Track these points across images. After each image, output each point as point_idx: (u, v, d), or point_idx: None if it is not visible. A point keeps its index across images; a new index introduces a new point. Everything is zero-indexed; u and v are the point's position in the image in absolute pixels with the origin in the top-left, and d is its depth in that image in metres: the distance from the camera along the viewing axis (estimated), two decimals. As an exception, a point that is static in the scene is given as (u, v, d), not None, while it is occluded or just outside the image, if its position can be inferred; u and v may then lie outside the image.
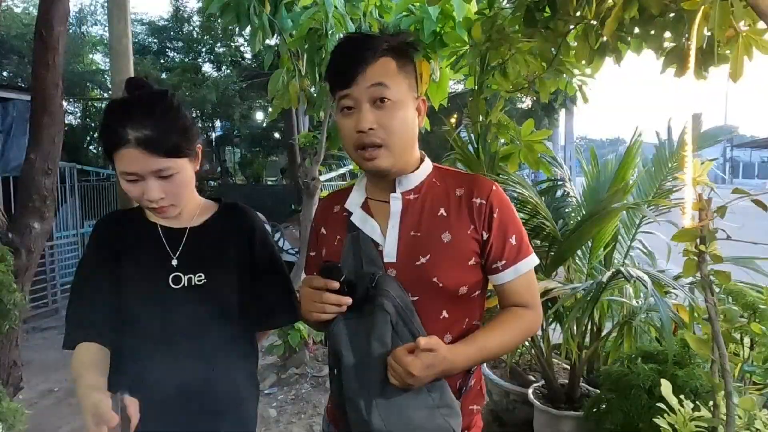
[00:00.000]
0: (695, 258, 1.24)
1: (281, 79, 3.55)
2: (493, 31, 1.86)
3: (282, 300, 1.21)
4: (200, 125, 11.30)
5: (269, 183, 13.07)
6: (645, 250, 2.81)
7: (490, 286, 1.06)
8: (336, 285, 0.91)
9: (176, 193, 1.06)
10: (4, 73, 10.97)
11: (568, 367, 2.63)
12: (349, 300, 0.92)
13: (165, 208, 1.07)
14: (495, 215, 0.98)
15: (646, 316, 2.17)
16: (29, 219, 2.48)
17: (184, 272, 1.10)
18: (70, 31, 11.98)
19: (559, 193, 2.96)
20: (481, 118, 2.26)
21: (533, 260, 1.03)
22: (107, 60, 13.56)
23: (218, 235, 1.15)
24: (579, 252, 2.57)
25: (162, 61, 11.90)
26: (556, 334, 2.73)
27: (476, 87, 2.11)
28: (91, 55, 12.89)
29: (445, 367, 0.90)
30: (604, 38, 1.79)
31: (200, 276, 1.10)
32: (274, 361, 3.84)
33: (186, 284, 1.09)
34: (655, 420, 1.38)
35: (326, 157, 3.97)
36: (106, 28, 14.82)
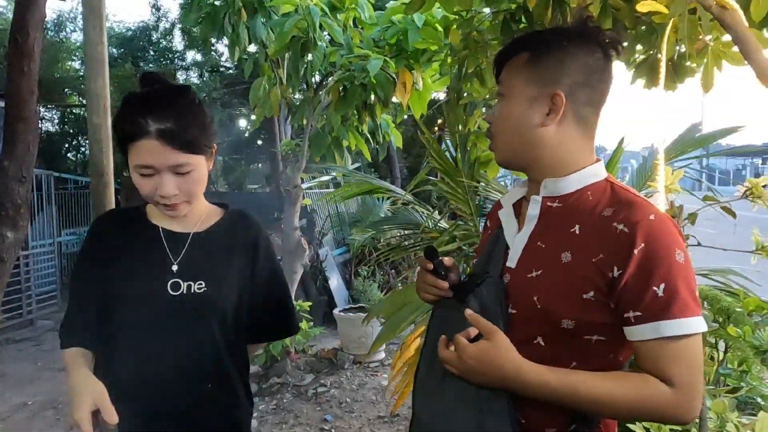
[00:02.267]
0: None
1: (262, 87, 3.55)
2: (470, 38, 1.88)
3: (280, 314, 1.20)
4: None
5: (252, 190, 12.99)
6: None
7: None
8: (429, 266, 0.94)
9: (191, 191, 1.04)
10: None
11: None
12: (445, 284, 0.93)
13: (177, 205, 1.04)
14: (636, 250, 0.78)
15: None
16: (2, 228, 2.42)
17: (184, 279, 1.07)
18: (48, 37, 11.80)
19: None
20: (459, 126, 2.28)
21: (693, 325, 0.77)
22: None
23: (222, 244, 1.13)
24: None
25: (136, 72, 11.79)
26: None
27: (453, 94, 2.12)
28: (69, 62, 12.70)
29: (505, 369, 0.81)
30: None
31: (200, 284, 1.07)
32: (255, 371, 3.80)
33: (185, 291, 1.06)
34: (629, 425, 1.39)
35: (308, 165, 3.96)
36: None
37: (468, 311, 0.86)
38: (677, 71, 1.67)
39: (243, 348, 1.17)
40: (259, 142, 12.64)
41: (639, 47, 1.78)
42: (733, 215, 1.47)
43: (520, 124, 0.89)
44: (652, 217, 0.80)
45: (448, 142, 2.58)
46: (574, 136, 0.89)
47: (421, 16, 2.69)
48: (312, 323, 4.01)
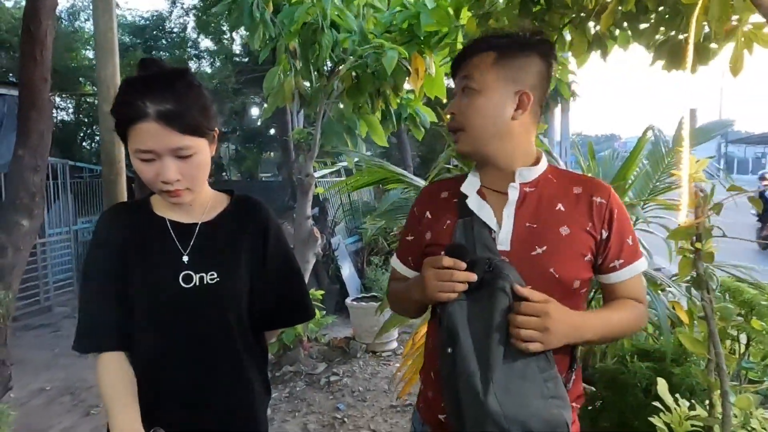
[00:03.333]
0: (690, 256, 1.23)
1: (277, 76, 3.52)
2: (485, 20, 1.83)
3: (294, 299, 1.18)
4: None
5: (264, 179, 13.01)
6: (646, 249, 2.79)
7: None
8: (464, 265, 0.93)
9: (193, 176, 1.00)
10: (-4, 69, 10.85)
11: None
12: (475, 276, 0.94)
13: (180, 191, 1.00)
14: (615, 216, 1.02)
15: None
16: (17, 216, 2.45)
17: (196, 271, 1.04)
18: (63, 26, 11.86)
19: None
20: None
21: (644, 262, 1.06)
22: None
23: (232, 231, 1.10)
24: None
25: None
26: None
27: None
28: (83, 51, 12.77)
29: (575, 326, 0.93)
30: (593, 32, 1.77)
31: (213, 275, 1.05)
32: (269, 359, 3.82)
33: (197, 283, 1.04)
34: (651, 419, 1.36)
35: (321, 154, 3.94)
36: (99, 24, 14.81)
37: (518, 287, 0.91)
38: (700, 53, 1.61)
39: (259, 336, 1.15)
40: (272, 131, 12.64)
41: (661, 29, 1.73)
42: (759, 206, 1.41)
43: (494, 116, 1.00)
44: (611, 190, 1.05)
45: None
46: (530, 129, 1.04)
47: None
48: (324, 312, 4.02)
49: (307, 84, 3.60)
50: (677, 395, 1.44)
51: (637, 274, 1.05)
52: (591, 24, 1.80)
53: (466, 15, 1.87)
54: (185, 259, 1.05)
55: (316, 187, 4.28)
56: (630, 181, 2.51)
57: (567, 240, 0.99)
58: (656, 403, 1.42)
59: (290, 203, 6.24)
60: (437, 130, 3.20)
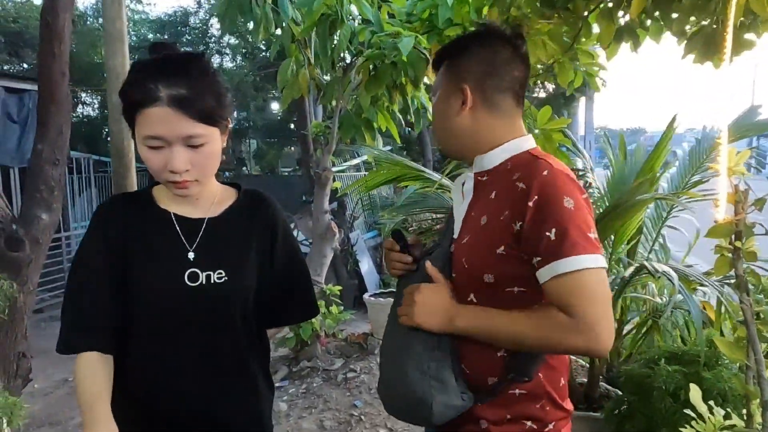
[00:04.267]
0: (729, 255, 1.14)
1: (290, 68, 3.48)
2: (510, 14, 1.76)
3: (300, 296, 1.14)
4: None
5: (284, 173, 13.06)
6: (664, 245, 2.69)
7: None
8: (396, 247, 1.09)
9: (203, 167, 0.95)
10: (24, 65, 11.09)
11: (587, 364, 2.53)
12: (408, 258, 1.07)
13: (188, 183, 0.95)
14: (531, 203, 0.88)
15: (672, 313, 2.06)
16: (36, 210, 2.45)
17: (202, 269, 0.99)
18: (89, 23, 12.05)
19: (580, 183, 2.83)
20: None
21: (585, 261, 0.85)
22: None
23: (240, 228, 1.05)
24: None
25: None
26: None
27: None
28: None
29: (445, 309, 0.95)
30: (623, 22, 1.68)
31: (220, 273, 1.00)
32: (285, 354, 3.81)
33: (204, 282, 0.99)
34: (682, 429, 1.28)
35: (338, 148, 3.90)
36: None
37: (427, 263, 1.00)
38: (734, 43, 1.51)
39: (263, 334, 1.12)
40: (292, 126, 12.66)
41: (692, 18, 1.63)
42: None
43: (443, 117, 1.05)
44: (545, 172, 0.90)
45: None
46: (487, 119, 1.01)
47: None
48: (342, 307, 3.98)
49: (326, 77, 3.55)
50: (710, 402, 1.35)
51: (560, 275, 0.85)
52: (619, 13, 1.71)
53: (493, 12, 1.80)
54: (191, 256, 1.00)
55: (334, 181, 4.24)
56: (657, 174, 2.41)
57: (482, 230, 0.96)
58: (687, 411, 1.34)
59: (307, 197, 6.22)
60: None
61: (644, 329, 2.20)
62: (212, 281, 1.00)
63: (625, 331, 2.42)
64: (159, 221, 1.02)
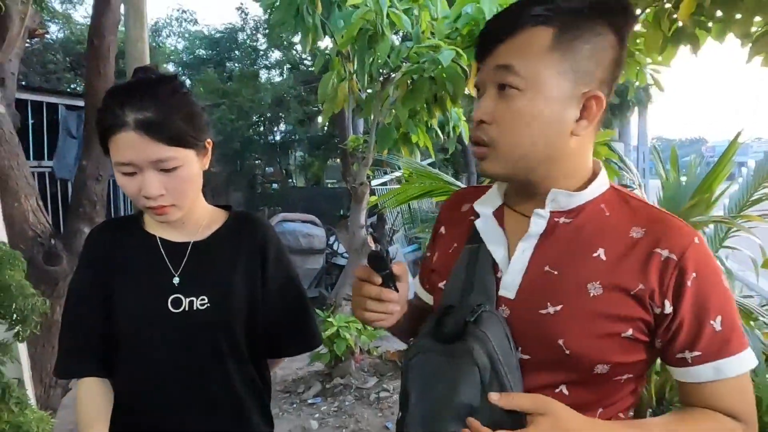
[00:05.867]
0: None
1: (331, 82, 3.49)
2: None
3: (297, 325, 1.08)
4: (261, 129, 11.59)
5: (329, 186, 13.20)
6: (725, 268, 2.46)
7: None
8: (378, 280, 0.74)
9: (179, 191, 0.92)
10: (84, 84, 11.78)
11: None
12: (394, 296, 0.75)
13: (165, 208, 0.93)
14: (689, 282, 0.68)
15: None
16: (78, 224, 2.54)
17: (186, 294, 0.97)
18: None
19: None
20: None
21: (749, 360, 0.70)
22: (179, 69, 14.31)
23: (226, 252, 1.02)
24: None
25: (223, 71, 12.39)
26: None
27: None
28: (164, 65, 13.60)
29: None
30: (680, 23, 1.54)
31: (203, 300, 0.97)
32: (320, 369, 3.77)
33: (187, 308, 0.96)
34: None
35: (377, 161, 3.86)
36: (179, 40, 15.81)
37: (493, 395, 0.65)
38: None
39: (261, 365, 1.06)
40: (336, 139, 12.82)
41: (756, 18, 1.48)
42: None
43: (548, 131, 0.69)
44: (696, 240, 0.70)
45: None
46: (591, 143, 0.75)
47: (492, 3, 2.50)
48: (379, 323, 3.91)
49: (368, 91, 3.54)
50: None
51: (731, 378, 0.69)
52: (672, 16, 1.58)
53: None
54: (176, 281, 0.98)
55: (372, 195, 4.20)
56: (717, 194, 2.21)
57: (595, 303, 0.69)
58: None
59: (346, 212, 6.23)
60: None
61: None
62: (195, 308, 0.97)
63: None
64: (145, 246, 1.00)
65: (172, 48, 15.23)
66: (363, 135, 4.21)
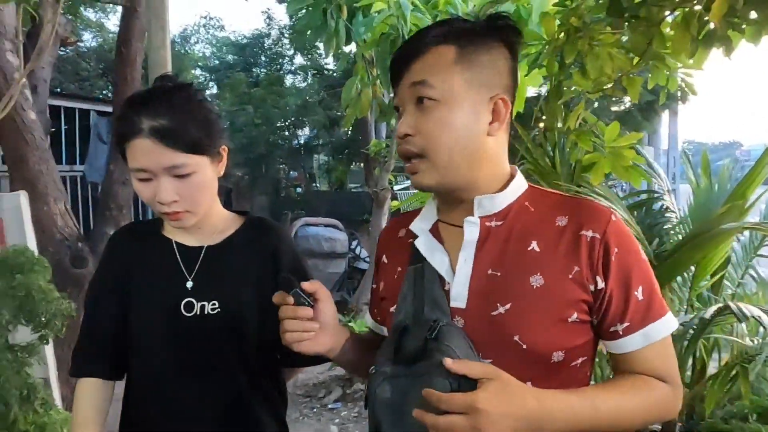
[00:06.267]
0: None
1: (355, 87, 3.49)
2: (570, 23, 1.62)
3: None
4: (285, 133, 11.71)
5: (352, 190, 13.26)
6: (757, 278, 2.36)
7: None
8: (290, 300, 0.78)
9: (192, 197, 0.93)
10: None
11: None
12: (308, 311, 0.79)
13: (179, 214, 0.93)
14: (613, 257, 0.73)
15: (766, 360, 1.78)
16: (105, 227, 2.60)
17: (198, 298, 0.97)
18: (175, 50, 13.01)
19: (656, 206, 2.58)
20: (559, 123, 2.00)
21: (670, 322, 0.76)
22: (206, 74, 14.61)
23: (238, 257, 1.01)
24: (679, 278, 2.20)
25: (249, 77, 12.60)
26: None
27: (551, 88, 1.86)
28: (192, 71, 13.90)
29: (528, 403, 0.65)
30: (711, 25, 1.49)
31: (214, 304, 0.97)
32: (341, 374, 3.77)
33: (198, 312, 0.96)
34: None
35: (401, 166, 3.85)
36: (207, 47, 16.15)
37: (448, 360, 0.65)
38: None
39: (275, 374, 1.05)
40: (360, 143, 12.87)
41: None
42: None
43: (467, 134, 0.76)
44: (613, 218, 0.76)
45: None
46: (505, 145, 0.81)
47: (511, 6, 2.46)
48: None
49: (387, 96, 3.54)
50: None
51: (656, 342, 0.74)
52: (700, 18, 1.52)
53: (549, 20, 1.67)
54: (189, 285, 0.98)
55: (396, 199, 4.19)
56: (752, 200, 2.12)
57: (539, 294, 0.72)
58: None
59: (368, 217, 6.23)
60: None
61: (730, 375, 1.92)
62: (206, 312, 0.97)
63: (708, 374, 2.14)
64: (161, 250, 1.01)
65: (200, 54, 15.57)
66: (385, 140, 4.20)
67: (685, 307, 2.21)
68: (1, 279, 1.42)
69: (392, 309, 0.82)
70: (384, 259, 0.90)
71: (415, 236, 0.82)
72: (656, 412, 0.75)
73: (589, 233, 0.73)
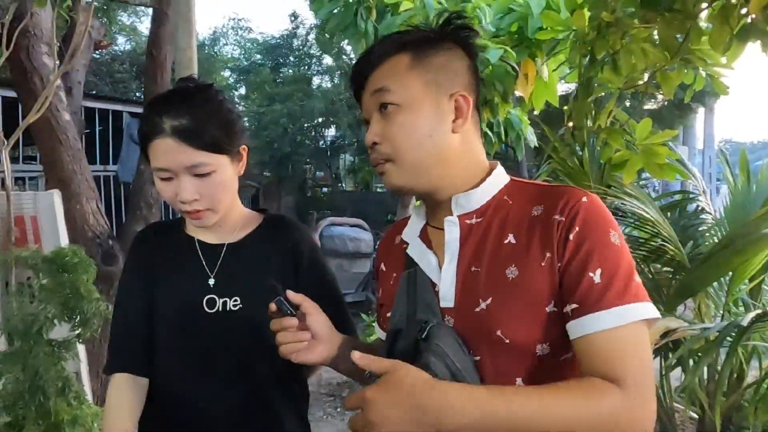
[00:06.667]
0: None
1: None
2: (601, 17, 1.57)
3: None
4: (312, 133, 11.81)
5: (377, 190, 13.28)
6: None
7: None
8: (273, 307, 0.81)
9: (213, 196, 0.94)
10: (151, 91, 12.43)
11: (697, 416, 2.19)
12: (294, 321, 0.81)
13: (200, 212, 0.95)
14: (571, 236, 0.70)
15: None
16: (136, 225, 2.66)
17: (220, 295, 0.99)
18: (205, 51, 13.27)
19: (690, 207, 2.50)
20: (589, 122, 1.95)
21: (637, 312, 0.67)
22: (236, 75, 14.85)
23: (259, 254, 1.03)
24: (715, 283, 2.12)
25: (277, 77, 12.75)
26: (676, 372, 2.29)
27: (581, 84, 1.82)
28: (222, 73, 14.15)
29: (419, 393, 0.62)
30: (749, 18, 1.42)
31: (236, 300, 0.98)
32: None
33: (220, 309, 0.98)
34: None
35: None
36: (236, 48, 16.42)
37: (355, 354, 0.66)
38: None
39: (297, 370, 1.04)
40: (385, 143, 12.86)
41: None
42: None
43: (431, 133, 0.77)
44: (585, 199, 0.73)
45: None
46: (474, 141, 0.81)
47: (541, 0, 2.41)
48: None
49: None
50: None
51: (606, 330, 0.66)
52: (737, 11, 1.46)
53: (580, 15, 1.63)
54: (211, 282, 0.99)
55: (418, 200, 4.15)
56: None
57: (515, 286, 0.71)
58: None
59: (393, 218, 6.22)
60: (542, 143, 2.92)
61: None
62: (228, 308, 0.98)
63: (747, 381, 2.06)
64: (184, 247, 1.03)
65: (230, 56, 15.84)
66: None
67: (721, 312, 2.13)
68: (50, 276, 1.46)
69: (389, 314, 0.83)
70: (382, 266, 0.92)
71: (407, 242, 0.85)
72: (598, 422, 0.64)
73: (558, 216, 0.72)
